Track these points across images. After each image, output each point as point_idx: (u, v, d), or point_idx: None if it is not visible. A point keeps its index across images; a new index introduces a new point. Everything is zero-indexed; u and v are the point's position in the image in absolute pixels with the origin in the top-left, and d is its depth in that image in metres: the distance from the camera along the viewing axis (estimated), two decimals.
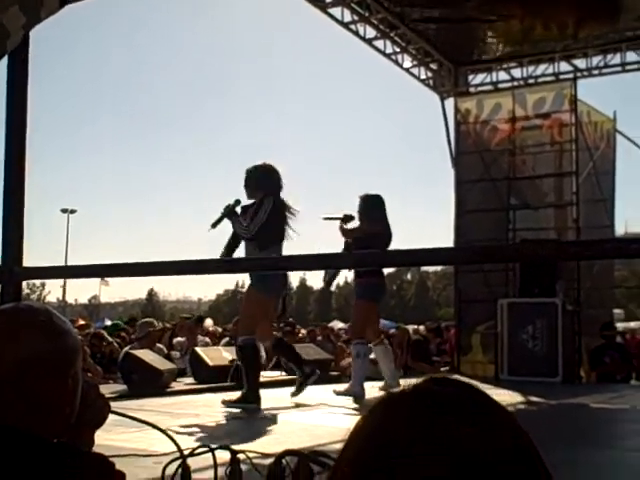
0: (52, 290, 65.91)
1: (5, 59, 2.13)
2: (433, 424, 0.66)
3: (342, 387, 6.70)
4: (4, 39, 1.86)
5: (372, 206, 6.74)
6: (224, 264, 2.47)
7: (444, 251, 1.72)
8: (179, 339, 10.19)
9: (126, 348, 8.48)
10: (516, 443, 0.68)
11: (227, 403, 5.59)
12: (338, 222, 6.72)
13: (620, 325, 12.78)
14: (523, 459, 0.67)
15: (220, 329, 13.12)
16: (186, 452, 2.45)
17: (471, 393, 0.71)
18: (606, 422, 5.71)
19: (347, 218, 6.74)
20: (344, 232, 6.70)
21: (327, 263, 2.05)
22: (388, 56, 11.26)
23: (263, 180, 5.82)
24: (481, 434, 0.66)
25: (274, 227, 5.68)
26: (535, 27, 10.06)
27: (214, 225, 5.71)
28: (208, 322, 11.98)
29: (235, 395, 5.68)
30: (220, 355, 8.14)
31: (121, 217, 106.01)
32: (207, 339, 10.65)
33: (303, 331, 13.57)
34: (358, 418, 0.73)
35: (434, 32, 11.00)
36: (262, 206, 5.69)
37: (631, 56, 11.24)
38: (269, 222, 5.64)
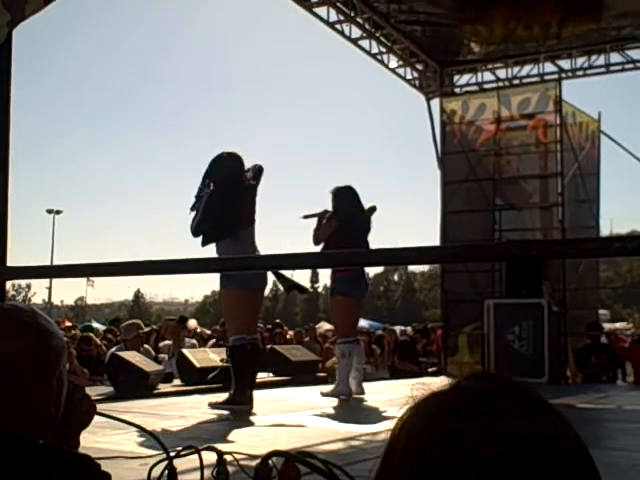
0: (38, 291, 65.66)
1: None
2: (478, 418, 0.67)
3: (328, 388, 6.68)
4: None
5: (339, 200, 6.68)
6: (215, 263, 2.46)
7: (429, 250, 1.72)
8: (166, 342, 10.14)
9: (112, 349, 8.45)
10: (565, 436, 0.69)
11: (213, 405, 5.54)
12: (316, 220, 6.63)
13: (605, 326, 12.86)
14: (571, 452, 0.68)
15: (208, 331, 13.09)
16: (172, 453, 2.44)
17: (516, 387, 0.72)
18: (592, 422, 5.73)
19: (325, 213, 6.64)
20: (316, 237, 6.56)
21: (314, 261, 2.05)
22: (374, 56, 11.28)
23: (210, 172, 5.70)
24: (531, 426, 0.67)
25: (217, 221, 5.54)
26: (518, 28, 10.10)
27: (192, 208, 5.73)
28: (192, 322, 11.93)
29: (223, 397, 5.63)
30: (207, 357, 8.12)
31: (108, 218, 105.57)
32: (193, 341, 10.60)
33: (290, 332, 13.56)
34: (399, 417, 0.73)
35: (420, 32, 11.03)
36: (200, 204, 5.60)
37: (615, 57, 11.34)
38: (210, 217, 5.52)
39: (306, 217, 6.66)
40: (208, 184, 5.64)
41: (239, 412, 5.36)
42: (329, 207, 6.72)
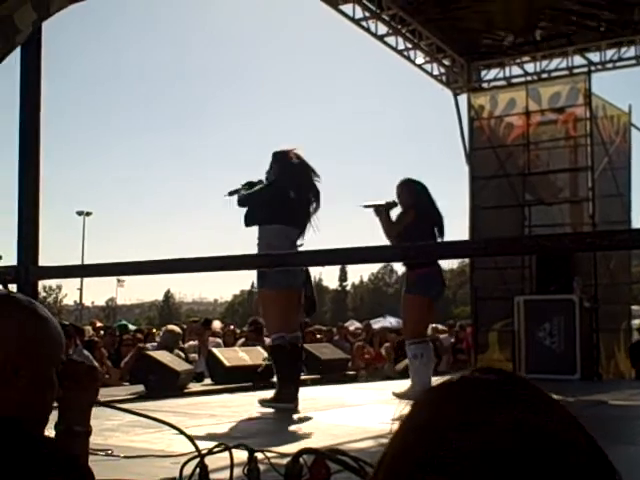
0: (69, 293, 66.34)
1: (18, 53, 2.14)
2: (483, 411, 0.66)
3: (401, 388, 6.22)
4: (14, 35, 1.86)
5: (418, 192, 6.30)
6: (235, 261, 2.46)
7: (459, 244, 1.70)
8: (191, 343, 10.23)
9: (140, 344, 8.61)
10: (569, 429, 0.67)
11: (262, 402, 5.56)
12: (378, 214, 6.17)
13: (638, 322, 12.68)
14: (575, 444, 0.66)
15: (238, 330, 13.16)
16: (204, 452, 2.45)
17: (517, 380, 0.71)
18: (625, 419, 5.66)
19: (390, 205, 6.19)
20: (389, 225, 6.10)
21: (341, 257, 2.03)
22: (400, 52, 11.23)
23: (275, 167, 5.86)
24: (533, 418, 0.65)
25: (271, 207, 5.62)
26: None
27: (230, 193, 5.85)
28: (216, 324, 12.02)
29: (269, 394, 5.66)
30: (237, 355, 8.15)
31: (137, 219, 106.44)
32: (218, 340, 10.66)
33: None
34: (406, 411, 0.72)
35: (446, 27, 10.97)
36: (261, 183, 5.82)
37: None
38: (265, 200, 5.65)
39: (367, 207, 6.25)
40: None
41: (283, 410, 5.39)
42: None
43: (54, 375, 1.40)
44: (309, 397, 6.45)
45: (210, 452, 2.50)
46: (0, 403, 1.29)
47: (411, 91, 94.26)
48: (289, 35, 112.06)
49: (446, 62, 11.93)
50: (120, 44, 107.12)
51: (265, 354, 8.38)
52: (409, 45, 11.27)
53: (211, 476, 2.47)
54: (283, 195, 5.70)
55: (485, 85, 12.14)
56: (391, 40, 10.98)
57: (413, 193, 6.28)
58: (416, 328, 6.24)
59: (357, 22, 10.33)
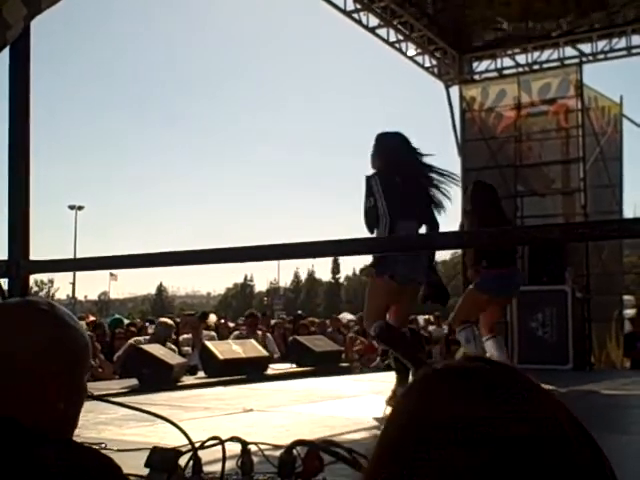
0: (61, 287, 66.18)
1: (7, 51, 2.13)
2: (474, 400, 0.65)
3: None
4: (4, 31, 1.85)
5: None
6: (232, 253, 2.46)
7: (450, 236, 1.71)
8: (185, 336, 10.23)
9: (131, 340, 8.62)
10: (556, 414, 0.67)
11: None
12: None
13: (630, 312, 12.74)
14: (562, 430, 0.66)
15: (231, 323, 13.17)
16: (197, 444, 2.45)
17: (505, 369, 0.71)
18: (618, 408, 5.69)
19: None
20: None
21: (342, 249, 2.04)
22: (392, 44, 11.22)
23: (376, 153, 5.27)
24: (528, 407, 0.65)
25: (398, 205, 4.97)
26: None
27: None
28: (212, 317, 12.04)
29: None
30: (230, 348, 8.16)
31: (130, 212, 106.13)
32: (212, 333, 10.67)
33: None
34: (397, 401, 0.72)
35: (437, 19, 10.96)
36: (367, 192, 5.10)
37: (636, 40, 11.17)
38: (389, 201, 4.98)
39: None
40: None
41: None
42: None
43: (85, 381, 1.35)
44: (303, 389, 6.47)
45: (203, 445, 2.51)
46: (36, 416, 1.24)
47: (408, 87, 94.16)
48: (289, 35, 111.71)
49: (437, 54, 11.93)
50: (116, 43, 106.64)
51: (258, 347, 8.40)
52: (400, 37, 11.26)
53: (205, 469, 2.48)
54: (401, 186, 5.08)
55: (477, 77, 12.14)
56: (382, 32, 10.97)
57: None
58: (465, 316, 6.29)
59: (348, 14, 10.31)
